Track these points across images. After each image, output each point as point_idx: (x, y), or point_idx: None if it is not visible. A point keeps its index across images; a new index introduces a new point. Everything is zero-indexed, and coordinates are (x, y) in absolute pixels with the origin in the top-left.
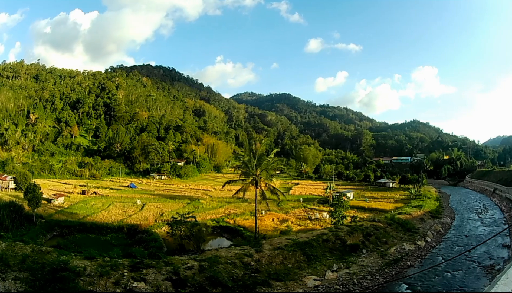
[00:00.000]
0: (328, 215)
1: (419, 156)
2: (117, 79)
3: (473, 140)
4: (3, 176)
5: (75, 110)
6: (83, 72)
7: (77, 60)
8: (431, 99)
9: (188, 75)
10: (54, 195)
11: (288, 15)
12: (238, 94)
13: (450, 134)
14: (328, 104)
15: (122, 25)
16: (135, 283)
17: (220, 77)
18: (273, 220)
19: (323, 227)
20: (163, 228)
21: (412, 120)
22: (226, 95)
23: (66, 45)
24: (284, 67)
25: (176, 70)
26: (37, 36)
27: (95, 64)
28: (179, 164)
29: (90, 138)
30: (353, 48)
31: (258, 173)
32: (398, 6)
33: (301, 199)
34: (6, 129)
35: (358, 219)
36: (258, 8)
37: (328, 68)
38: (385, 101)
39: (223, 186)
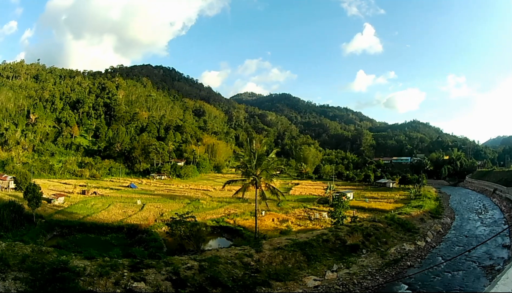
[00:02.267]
0: (328, 215)
1: (419, 156)
2: (117, 79)
3: (473, 141)
4: (3, 176)
5: (75, 110)
6: (83, 72)
7: (100, 49)
8: (460, 101)
9: (187, 76)
10: (54, 195)
11: (347, 7)
12: (238, 94)
13: (450, 134)
14: (328, 104)
15: (159, 10)
16: (135, 283)
17: (258, 73)
18: (273, 220)
19: (323, 227)
20: (163, 228)
21: (412, 120)
22: (252, 86)
23: (89, 29)
24: (330, 64)
25: (176, 70)
26: (55, 17)
27: (123, 58)
28: (179, 164)
29: (90, 138)
30: (409, 48)
31: (258, 173)
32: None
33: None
34: (6, 129)
35: (358, 219)
36: None
37: (374, 66)
38: (409, 103)
39: (223, 186)
